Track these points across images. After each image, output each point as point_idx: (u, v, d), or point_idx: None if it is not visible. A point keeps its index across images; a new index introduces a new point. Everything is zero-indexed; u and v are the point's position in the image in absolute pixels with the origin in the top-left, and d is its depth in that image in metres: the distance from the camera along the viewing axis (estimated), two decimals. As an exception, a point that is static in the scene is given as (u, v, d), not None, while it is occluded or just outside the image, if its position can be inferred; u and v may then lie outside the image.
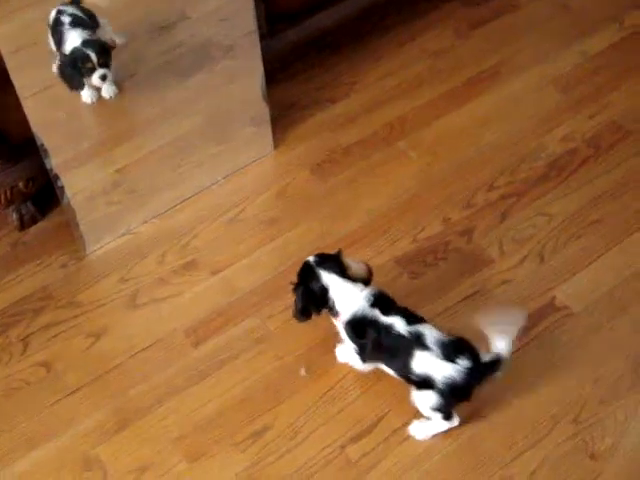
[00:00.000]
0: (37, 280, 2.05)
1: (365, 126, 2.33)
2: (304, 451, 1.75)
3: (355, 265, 1.75)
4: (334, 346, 1.86)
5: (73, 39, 1.99)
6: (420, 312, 1.87)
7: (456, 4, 2.62)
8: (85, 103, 2.10)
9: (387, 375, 1.75)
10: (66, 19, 2.02)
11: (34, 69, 1.95)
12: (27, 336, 1.95)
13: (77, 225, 2.06)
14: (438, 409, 1.69)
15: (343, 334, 1.75)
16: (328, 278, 1.70)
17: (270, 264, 2.02)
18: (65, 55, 2.00)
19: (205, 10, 2.19)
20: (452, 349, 1.63)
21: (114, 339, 1.94)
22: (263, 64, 2.17)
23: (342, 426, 1.78)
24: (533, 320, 1.90)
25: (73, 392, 1.86)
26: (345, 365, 1.83)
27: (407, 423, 1.77)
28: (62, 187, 2.00)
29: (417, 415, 1.75)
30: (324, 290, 1.70)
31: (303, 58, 2.46)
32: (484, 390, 1.73)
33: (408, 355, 1.64)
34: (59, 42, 2.01)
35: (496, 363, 1.63)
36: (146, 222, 2.15)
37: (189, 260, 2.07)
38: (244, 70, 2.20)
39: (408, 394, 1.71)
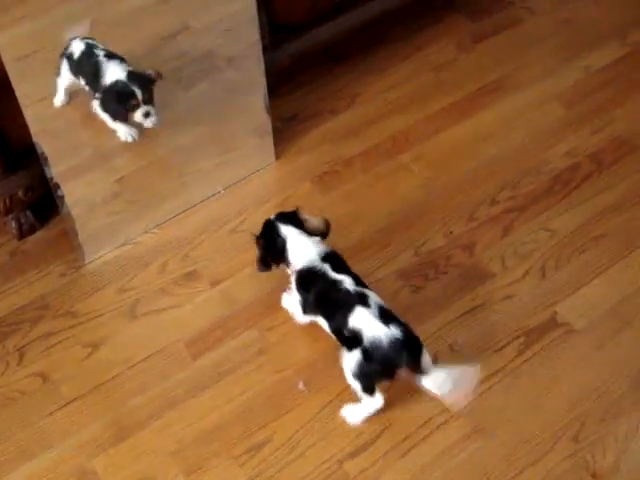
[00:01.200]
0: (35, 289, 2.03)
1: (367, 138, 2.33)
2: (302, 466, 1.73)
3: (313, 219, 1.84)
4: (335, 360, 1.83)
5: (114, 71, 1.99)
6: (421, 326, 1.88)
7: (460, 18, 2.63)
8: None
9: (387, 390, 1.74)
10: (100, 52, 2.02)
11: (36, 77, 1.94)
12: (24, 346, 1.93)
13: (76, 234, 2.05)
14: (359, 374, 1.69)
15: (292, 284, 1.81)
16: (286, 230, 1.80)
17: (270, 276, 1.99)
18: (107, 88, 1.99)
19: (208, 21, 2.18)
20: (390, 317, 1.69)
21: (112, 350, 1.92)
22: (266, 75, 2.16)
23: (341, 441, 1.76)
24: (535, 336, 1.89)
25: (69, 403, 1.84)
26: (344, 380, 1.81)
27: (407, 438, 1.75)
28: (62, 196, 1.99)
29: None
30: (282, 242, 1.79)
31: (306, 70, 2.46)
32: (484, 406, 1.72)
33: (348, 310, 1.69)
34: (95, 74, 2.00)
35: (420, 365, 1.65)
36: (146, 232, 2.14)
37: (190, 271, 2.06)
38: (247, 81, 2.19)
39: (409, 409, 1.69)
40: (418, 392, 1.76)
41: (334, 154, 2.29)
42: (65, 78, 2.07)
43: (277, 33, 2.23)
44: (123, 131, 2.10)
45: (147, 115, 2.02)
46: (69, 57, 2.05)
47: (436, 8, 2.64)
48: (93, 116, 2.12)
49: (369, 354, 1.67)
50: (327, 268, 1.75)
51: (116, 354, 1.91)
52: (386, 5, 2.41)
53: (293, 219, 1.83)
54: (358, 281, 1.75)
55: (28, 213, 2.11)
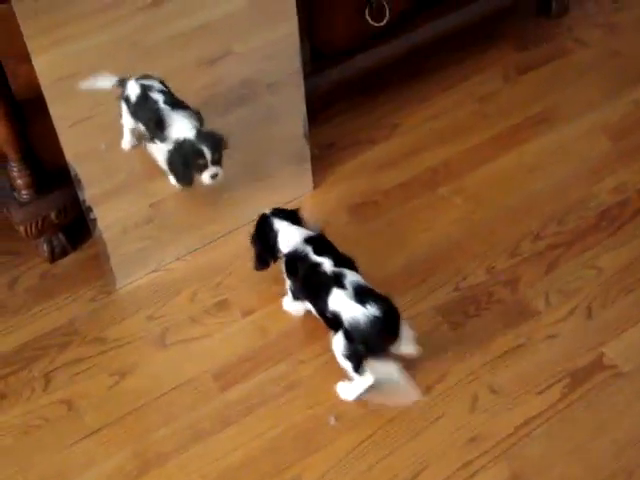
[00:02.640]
0: (64, 314, 1.99)
1: (407, 169, 2.27)
2: (333, 508, 1.66)
3: (311, 224, 1.86)
4: (368, 398, 1.78)
5: (182, 126, 1.96)
6: (460, 365, 1.82)
7: (505, 48, 2.57)
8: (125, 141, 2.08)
9: (424, 430, 1.68)
10: (159, 96, 1.99)
11: (72, 100, 1.90)
12: (50, 372, 1.89)
13: (108, 259, 2.01)
14: (347, 355, 1.70)
15: (283, 272, 1.84)
16: (279, 224, 1.82)
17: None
18: (174, 148, 1.96)
19: (251, 47, 2.15)
20: (367, 295, 1.68)
21: (139, 379, 1.87)
22: (305, 102, 2.12)
23: (373, 483, 1.69)
24: (579, 378, 1.80)
25: (93, 432, 1.78)
26: (378, 419, 1.75)
27: (445, 480, 1.68)
28: (94, 219, 1.96)
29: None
30: (274, 236, 1.82)
31: (346, 97, 2.41)
32: (524, 451, 1.64)
33: (326, 293, 1.71)
34: (157, 124, 1.97)
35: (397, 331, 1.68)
36: (179, 258, 2.09)
37: (221, 299, 2.01)
38: (286, 107, 2.16)
39: (445, 454, 1.62)
40: (455, 435, 1.70)
41: (372, 184, 2.23)
42: (127, 121, 2.05)
43: (318, 59, 2.19)
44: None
45: (215, 177, 1.97)
46: (126, 100, 2.02)
47: (481, 38, 2.59)
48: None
49: (350, 335, 1.68)
50: (309, 250, 1.76)
51: (143, 383, 1.86)
52: (429, 34, 2.36)
53: (290, 216, 1.85)
54: (339, 261, 1.75)
55: (60, 236, 2.08)
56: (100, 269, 2.04)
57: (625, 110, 2.38)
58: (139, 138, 2.09)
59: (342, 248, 1.81)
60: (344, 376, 1.79)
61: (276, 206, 1.90)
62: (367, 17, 2.18)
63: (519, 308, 1.94)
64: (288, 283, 1.86)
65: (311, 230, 1.84)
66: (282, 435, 1.76)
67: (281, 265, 1.85)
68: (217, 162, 1.97)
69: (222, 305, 1.99)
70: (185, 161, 1.96)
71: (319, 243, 1.79)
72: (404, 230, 2.12)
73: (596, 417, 1.74)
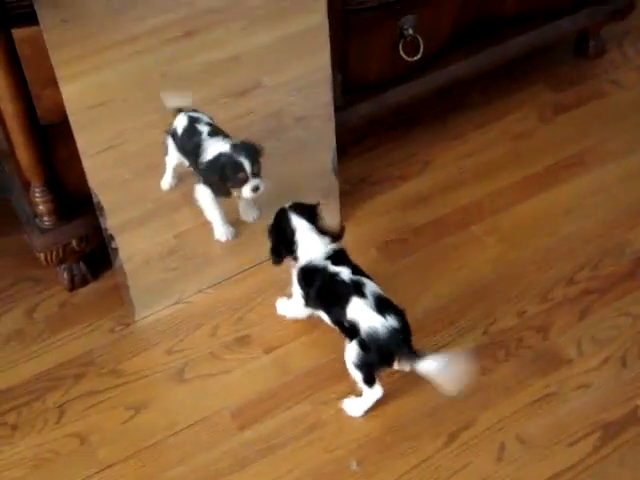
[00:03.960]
0: (81, 344, 1.95)
1: (438, 207, 2.21)
2: None
3: (327, 220, 1.83)
4: (392, 441, 1.72)
5: (216, 146, 1.92)
6: (487, 412, 1.75)
7: (542, 87, 2.52)
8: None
9: (448, 479, 1.60)
10: (204, 128, 1.96)
11: (98, 128, 1.88)
12: (64, 403, 1.84)
13: (128, 289, 1.97)
14: (359, 365, 1.70)
15: (294, 278, 1.82)
16: (297, 222, 1.80)
17: (327, 346, 1.89)
18: (209, 162, 1.92)
19: (282, 79, 2.13)
20: (386, 306, 1.69)
21: (155, 414, 1.82)
22: (335, 136, 2.08)
23: (394, 532, 1.62)
24: (612, 431, 1.73)
25: (105, 468, 1.73)
26: (402, 465, 1.68)
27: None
28: (116, 249, 1.92)
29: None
30: (292, 232, 1.79)
31: (377, 132, 2.37)
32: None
33: (345, 301, 1.70)
34: (195, 153, 1.94)
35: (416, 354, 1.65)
36: (201, 291, 2.04)
37: (243, 335, 1.95)
38: (315, 141, 2.12)
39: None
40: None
41: (403, 221, 2.18)
42: (173, 157, 2.03)
43: (350, 93, 2.15)
44: (218, 229, 2.05)
45: (256, 190, 1.92)
46: (173, 135, 2.00)
47: (517, 76, 2.54)
48: (154, 168, 2.08)
49: (366, 345, 1.68)
50: (328, 264, 1.76)
51: (159, 419, 1.80)
52: (464, 71, 2.32)
53: (308, 211, 1.82)
54: (356, 270, 1.75)
55: (81, 264, 2.04)
56: (120, 300, 2.00)
57: (663, 153, 2.32)
58: (179, 178, 2.08)
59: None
60: (368, 418, 1.75)
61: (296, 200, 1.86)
62: (401, 51, 2.14)
63: (550, 355, 1.87)
64: (297, 291, 1.83)
65: (328, 229, 1.82)
66: (301, 478, 1.70)
67: (292, 269, 1.83)
68: (257, 174, 1.92)
69: (243, 341, 1.94)
70: (220, 175, 1.91)
71: (339, 256, 1.79)
72: (434, 269, 2.06)
73: (630, 474, 1.67)
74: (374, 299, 1.69)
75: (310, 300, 1.81)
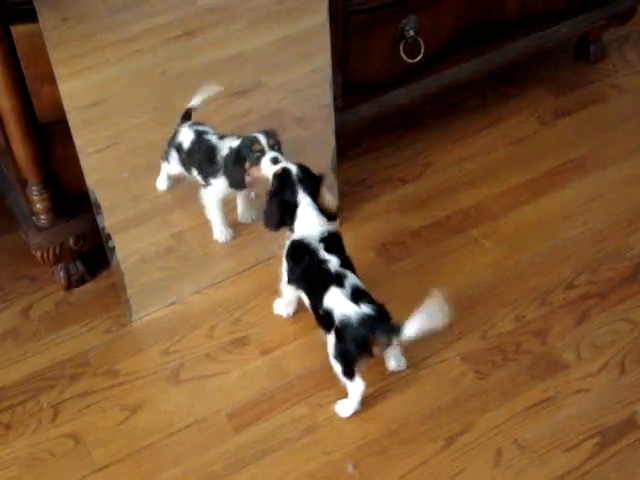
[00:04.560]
0: (77, 344, 1.94)
1: (437, 210, 2.21)
2: None
3: (328, 196, 1.81)
4: (389, 445, 1.71)
5: (229, 143, 1.95)
6: (483, 417, 1.75)
7: (542, 91, 2.52)
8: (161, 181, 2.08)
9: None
10: (212, 137, 1.98)
11: (96, 127, 1.86)
12: (59, 403, 1.83)
13: (125, 289, 1.95)
14: (336, 355, 1.70)
15: (284, 249, 1.83)
16: (301, 196, 1.78)
17: (324, 348, 1.87)
18: (226, 157, 1.94)
19: (282, 80, 2.12)
20: (362, 296, 1.69)
21: (150, 415, 1.80)
22: (335, 137, 2.08)
23: (390, 537, 1.61)
24: (610, 437, 1.72)
25: (100, 469, 1.72)
26: (398, 468, 1.67)
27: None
28: (113, 248, 1.91)
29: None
30: (294, 205, 1.78)
31: (377, 134, 2.37)
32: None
33: (324, 289, 1.70)
34: (209, 157, 1.96)
35: (394, 328, 1.66)
36: (198, 292, 2.04)
37: (240, 336, 1.94)
38: (315, 142, 2.11)
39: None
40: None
41: (401, 224, 2.17)
42: (174, 168, 2.04)
43: (350, 94, 2.14)
44: (218, 229, 2.06)
45: (275, 161, 1.87)
46: (178, 148, 2.00)
47: (517, 79, 2.54)
48: (152, 168, 2.07)
49: (340, 334, 1.68)
50: (320, 248, 1.75)
51: (154, 420, 1.79)
52: (464, 73, 2.31)
53: (313, 184, 1.80)
54: (345, 262, 1.75)
55: (78, 263, 2.03)
56: (117, 299, 1.99)
57: (663, 159, 2.32)
58: (176, 181, 2.08)
59: (367, 287, 1.75)
60: (365, 420, 1.74)
61: (301, 163, 1.83)
62: (402, 53, 2.13)
63: (548, 360, 1.86)
64: (284, 264, 1.83)
65: (327, 203, 1.81)
66: (296, 482, 1.69)
67: (286, 243, 1.83)
68: (274, 148, 1.89)
69: (240, 342, 1.93)
70: (237, 158, 1.91)
71: (332, 240, 1.78)
72: (432, 272, 2.05)
73: (628, 479, 1.65)
74: (351, 289, 1.70)
75: (294, 278, 1.81)
